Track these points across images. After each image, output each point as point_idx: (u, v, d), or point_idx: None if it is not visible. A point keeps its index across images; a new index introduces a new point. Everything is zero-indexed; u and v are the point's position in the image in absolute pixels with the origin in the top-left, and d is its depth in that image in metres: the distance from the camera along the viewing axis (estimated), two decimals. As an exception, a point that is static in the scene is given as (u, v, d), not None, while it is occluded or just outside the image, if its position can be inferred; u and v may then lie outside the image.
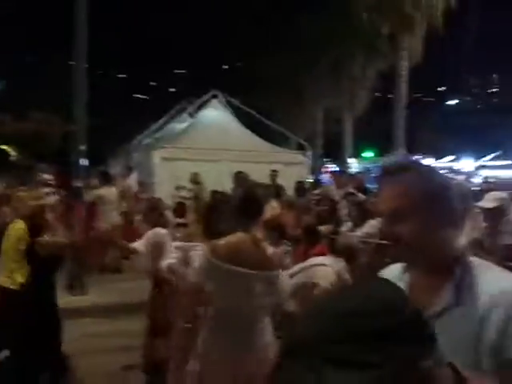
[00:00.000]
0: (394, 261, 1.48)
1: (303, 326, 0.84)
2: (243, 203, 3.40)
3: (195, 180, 9.72)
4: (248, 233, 3.17)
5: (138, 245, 4.77)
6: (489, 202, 4.43)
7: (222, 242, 3.12)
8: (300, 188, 8.39)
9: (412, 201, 1.36)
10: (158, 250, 4.63)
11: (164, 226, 5.00)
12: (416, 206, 1.36)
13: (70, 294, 6.67)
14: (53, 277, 4.52)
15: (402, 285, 1.45)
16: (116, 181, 9.62)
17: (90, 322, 6.15)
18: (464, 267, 1.38)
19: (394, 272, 1.54)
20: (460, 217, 1.42)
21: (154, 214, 5.10)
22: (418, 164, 1.47)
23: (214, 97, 14.30)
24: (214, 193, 4.28)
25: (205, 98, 14.58)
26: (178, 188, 9.58)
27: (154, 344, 4.54)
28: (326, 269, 4.55)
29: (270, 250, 3.30)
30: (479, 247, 4.51)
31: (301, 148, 15.18)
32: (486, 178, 13.79)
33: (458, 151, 34.43)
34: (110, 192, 8.18)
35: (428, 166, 1.49)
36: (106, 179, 8.72)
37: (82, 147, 7.15)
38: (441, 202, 1.38)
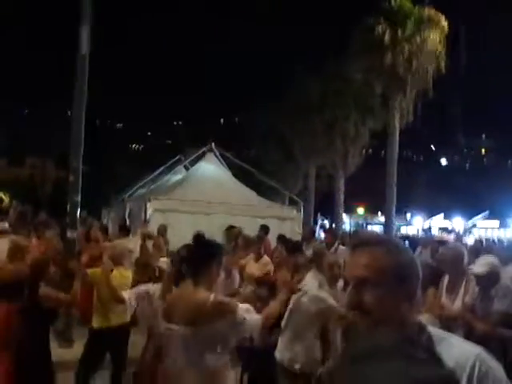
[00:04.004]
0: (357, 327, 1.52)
1: None
2: (188, 255, 3.42)
3: (162, 232, 9.69)
4: (195, 285, 3.15)
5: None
6: (480, 266, 4.46)
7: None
8: (295, 246, 8.39)
9: (377, 272, 1.45)
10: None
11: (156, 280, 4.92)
12: (380, 277, 1.45)
13: (58, 346, 6.53)
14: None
15: None
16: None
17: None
18: (427, 339, 1.44)
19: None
20: (418, 294, 1.51)
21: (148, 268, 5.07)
22: (388, 240, 1.58)
23: (209, 150, 14.50)
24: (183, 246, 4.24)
25: (200, 151, 14.79)
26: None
27: None
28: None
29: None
30: (471, 312, 4.52)
31: (293, 203, 15.31)
32: (479, 240, 13.83)
33: (448, 209, 34.85)
34: (130, 243, 8.21)
35: (397, 242, 1.58)
36: (126, 230, 9.01)
37: (76, 198, 7.15)
38: (403, 278, 1.47)
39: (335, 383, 1.07)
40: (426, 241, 10.30)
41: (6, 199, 33.86)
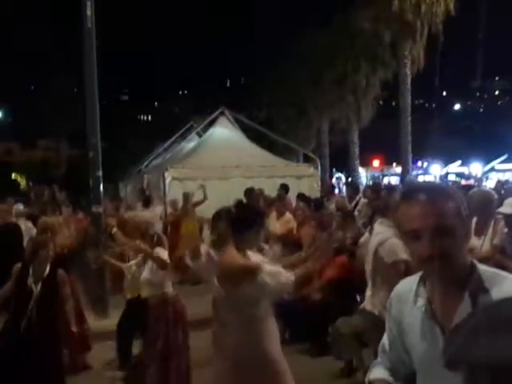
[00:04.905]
0: (430, 272, 1.52)
1: None
2: (232, 219, 3.55)
3: (188, 199, 9.83)
4: (238, 247, 3.27)
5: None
6: (509, 207, 4.44)
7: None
8: (317, 202, 8.42)
9: (451, 218, 1.47)
10: None
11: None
12: (454, 222, 1.47)
13: (94, 318, 6.70)
14: None
15: (420, 297, 1.56)
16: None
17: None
18: (477, 277, 1.48)
19: (409, 284, 1.63)
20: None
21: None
22: (440, 185, 1.63)
23: (222, 114, 14.39)
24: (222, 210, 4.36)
25: (212, 116, 14.69)
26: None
27: None
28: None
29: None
30: (501, 253, 4.53)
31: (308, 160, 15.22)
32: (500, 181, 13.68)
33: (465, 155, 34.39)
34: (153, 214, 8.37)
35: (448, 186, 1.62)
36: (148, 202, 9.19)
37: (98, 173, 7.21)
38: (466, 218, 1.51)
39: None
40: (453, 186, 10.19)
41: (23, 181, 34.35)
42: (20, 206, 9.94)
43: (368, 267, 4.48)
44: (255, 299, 3.17)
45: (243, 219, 3.40)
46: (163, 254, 4.67)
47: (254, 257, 3.37)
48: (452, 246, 1.45)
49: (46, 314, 4.37)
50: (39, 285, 4.34)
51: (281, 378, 3.22)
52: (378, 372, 1.77)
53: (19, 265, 4.44)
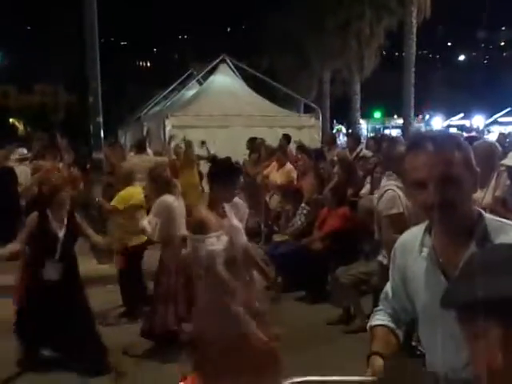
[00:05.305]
0: (436, 221, 1.53)
1: None
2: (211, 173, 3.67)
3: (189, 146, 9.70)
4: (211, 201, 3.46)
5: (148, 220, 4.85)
6: (512, 159, 4.43)
7: None
8: (318, 153, 8.39)
9: (457, 167, 1.46)
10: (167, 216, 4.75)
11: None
12: (462, 171, 1.47)
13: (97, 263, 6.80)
14: None
15: (425, 247, 1.57)
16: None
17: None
18: (484, 226, 1.49)
19: (415, 234, 1.64)
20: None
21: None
22: (447, 134, 1.62)
23: (223, 61, 14.11)
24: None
25: (213, 63, 14.40)
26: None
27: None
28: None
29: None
30: (502, 205, 4.55)
31: (308, 110, 15.05)
32: (502, 134, 13.60)
33: (468, 108, 33.94)
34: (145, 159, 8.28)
35: (454, 135, 1.62)
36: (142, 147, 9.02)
37: (99, 119, 7.13)
38: (473, 167, 1.51)
39: None
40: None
41: (20, 126, 34.03)
42: (24, 151, 10.00)
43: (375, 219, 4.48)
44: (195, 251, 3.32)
45: (214, 174, 3.57)
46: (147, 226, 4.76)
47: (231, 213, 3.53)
48: (458, 195, 1.46)
49: (73, 257, 4.39)
50: (63, 229, 4.29)
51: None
52: (379, 318, 1.82)
53: (34, 214, 4.27)
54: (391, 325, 1.79)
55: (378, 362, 1.66)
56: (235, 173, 3.63)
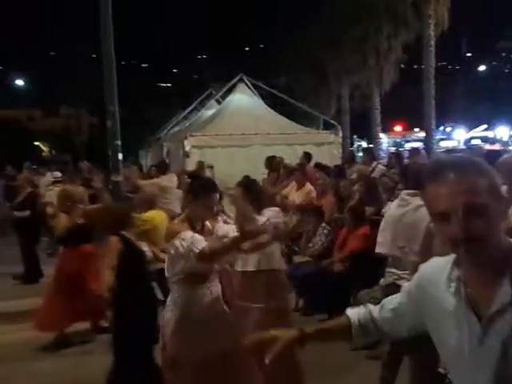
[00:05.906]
0: (464, 256, 1.43)
1: None
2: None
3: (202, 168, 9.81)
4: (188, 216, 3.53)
5: None
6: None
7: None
8: (338, 171, 8.29)
9: (484, 196, 1.34)
10: None
11: None
12: (487, 200, 1.34)
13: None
14: None
15: (453, 281, 1.44)
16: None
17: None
18: None
19: (441, 267, 1.51)
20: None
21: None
22: (469, 159, 1.44)
23: (240, 81, 14.19)
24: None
25: (231, 83, 14.49)
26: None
27: None
28: None
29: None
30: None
31: (328, 127, 14.98)
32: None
33: (491, 120, 33.40)
34: (170, 180, 8.49)
35: (477, 160, 1.45)
36: (164, 168, 9.18)
37: (117, 142, 7.19)
38: (500, 192, 1.38)
39: None
40: (475, 153, 9.87)
41: (45, 149, 34.68)
42: (58, 174, 10.38)
43: None
44: (176, 258, 3.35)
45: (189, 192, 3.74)
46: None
47: (221, 227, 3.74)
48: (485, 226, 1.33)
49: None
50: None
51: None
52: (356, 310, 1.78)
53: (114, 237, 4.06)
54: (357, 316, 1.75)
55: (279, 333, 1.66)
56: (212, 189, 3.62)
